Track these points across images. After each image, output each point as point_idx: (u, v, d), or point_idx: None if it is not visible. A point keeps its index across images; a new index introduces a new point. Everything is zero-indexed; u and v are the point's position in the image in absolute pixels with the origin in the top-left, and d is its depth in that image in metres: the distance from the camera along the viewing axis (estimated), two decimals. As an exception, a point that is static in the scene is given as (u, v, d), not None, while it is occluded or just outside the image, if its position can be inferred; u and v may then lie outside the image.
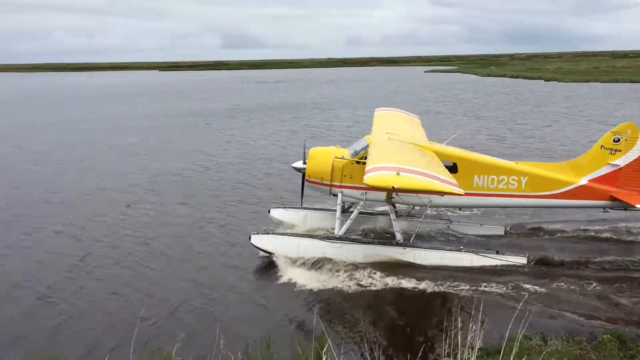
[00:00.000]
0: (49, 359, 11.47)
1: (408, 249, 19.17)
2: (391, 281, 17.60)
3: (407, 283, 17.45)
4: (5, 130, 57.10)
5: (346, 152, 20.42)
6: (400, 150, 18.91)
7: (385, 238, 20.83)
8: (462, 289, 17.08)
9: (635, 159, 19.85)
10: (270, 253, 19.45)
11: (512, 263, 18.98)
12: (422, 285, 17.29)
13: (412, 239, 19.66)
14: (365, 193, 19.94)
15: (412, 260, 18.97)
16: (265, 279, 18.58)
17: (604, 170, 19.98)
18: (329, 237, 19.53)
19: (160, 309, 16.17)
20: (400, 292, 17.04)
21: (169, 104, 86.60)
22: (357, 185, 19.57)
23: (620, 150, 19.83)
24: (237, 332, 14.52)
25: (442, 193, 15.86)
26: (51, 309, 16.49)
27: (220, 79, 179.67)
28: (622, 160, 19.83)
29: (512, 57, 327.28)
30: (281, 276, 18.30)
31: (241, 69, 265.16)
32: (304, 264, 18.74)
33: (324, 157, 20.19)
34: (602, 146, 19.99)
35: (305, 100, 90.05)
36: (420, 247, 19.35)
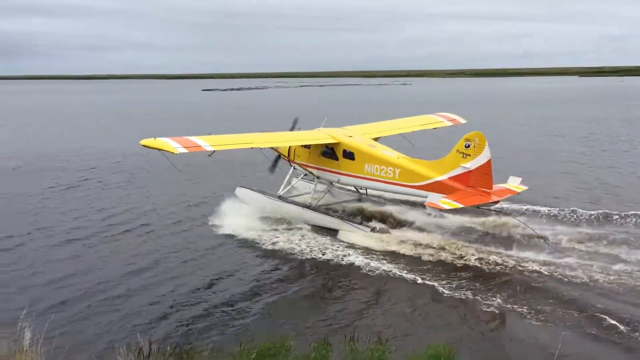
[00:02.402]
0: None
1: (305, 210, 26.42)
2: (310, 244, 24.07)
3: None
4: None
5: None
6: (276, 134, 26.26)
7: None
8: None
9: (483, 164, 21.89)
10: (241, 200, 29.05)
11: (361, 230, 24.22)
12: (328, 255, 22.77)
13: (315, 204, 26.62)
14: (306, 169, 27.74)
15: (304, 219, 26.14)
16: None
17: (459, 171, 22.53)
18: (272, 195, 28.16)
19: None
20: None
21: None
22: (302, 162, 27.54)
23: (470, 155, 22.14)
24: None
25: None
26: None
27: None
28: (471, 164, 22.10)
29: None
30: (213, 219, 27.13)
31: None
32: (250, 214, 27.29)
33: None
34: (457, 150, 22.55)
35: None
36: (314, 210, 26.26)
